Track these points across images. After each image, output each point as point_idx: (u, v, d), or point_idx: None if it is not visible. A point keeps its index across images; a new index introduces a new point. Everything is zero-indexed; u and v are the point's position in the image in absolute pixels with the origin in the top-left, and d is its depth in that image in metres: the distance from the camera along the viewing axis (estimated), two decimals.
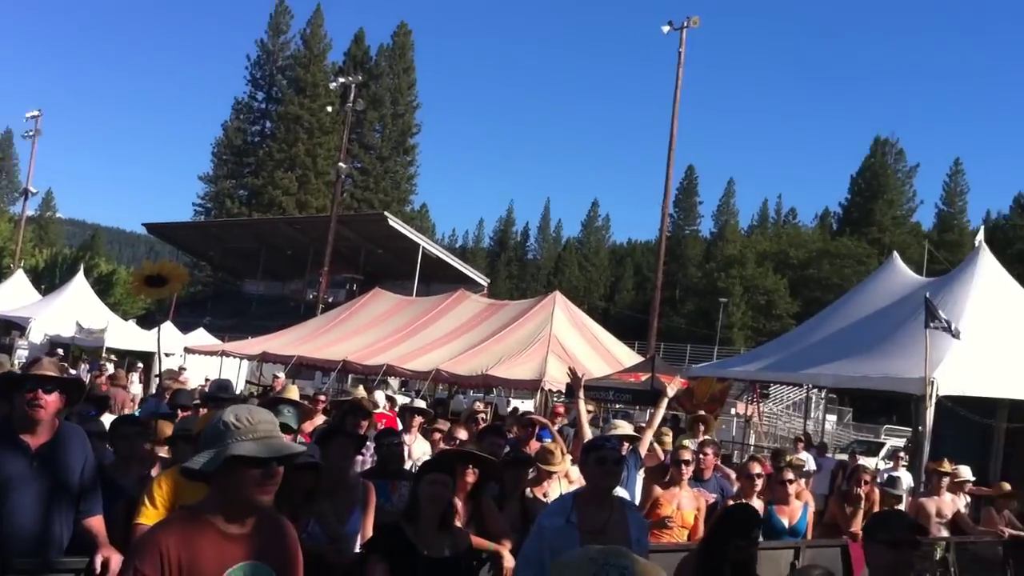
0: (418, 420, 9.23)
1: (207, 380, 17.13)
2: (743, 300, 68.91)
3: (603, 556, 1.61)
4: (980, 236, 21.30)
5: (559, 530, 4.48)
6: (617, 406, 22.52)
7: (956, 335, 14.58)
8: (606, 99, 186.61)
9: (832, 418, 40.05)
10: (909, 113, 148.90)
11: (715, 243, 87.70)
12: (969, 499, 10.28)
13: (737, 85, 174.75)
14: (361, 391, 11.67)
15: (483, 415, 11.78)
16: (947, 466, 9.57)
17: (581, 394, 7.93)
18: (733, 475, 8.92)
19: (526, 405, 23.60)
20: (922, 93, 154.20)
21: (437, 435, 8.99)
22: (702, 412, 11.22)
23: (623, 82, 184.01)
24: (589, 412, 11.56)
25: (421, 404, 10.85)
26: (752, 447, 18.33)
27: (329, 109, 57.21)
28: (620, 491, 6.66)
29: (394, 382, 27.99)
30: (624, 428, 7.40)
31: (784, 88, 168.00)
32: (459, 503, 5.43)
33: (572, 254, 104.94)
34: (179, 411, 8.78)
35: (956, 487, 10.05)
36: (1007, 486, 9.93)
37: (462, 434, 7.40)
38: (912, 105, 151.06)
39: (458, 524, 5.05)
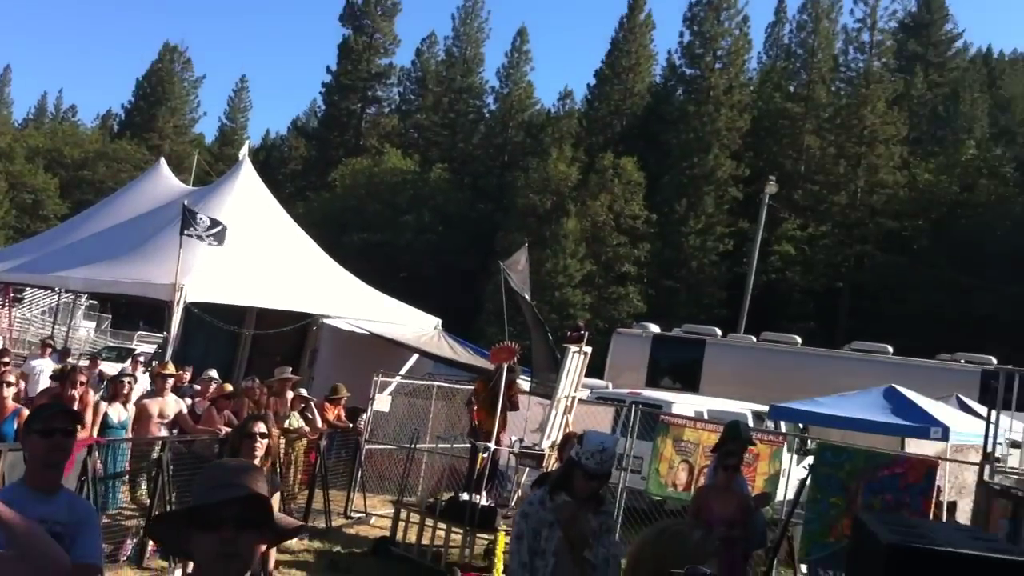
0: None
1: None
2: (7, 198, 63.48)
3: None
4: (244, 151, 22.29)
5: None
6: None
7: (220, 240, 15.03)
8: None
9: (90, 324, 39.27)
10: (200, 22, 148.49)
11: None
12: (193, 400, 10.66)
13: None
14: None
15: None
16: (171, 368, 9.81)
17: None
18: None
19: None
20: (215, 4, 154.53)
21: None
22: None
23: None
24: None
25: None
26: None
27: None
28: None
29: None
30: None
31: None
32: None
33: None
34: None
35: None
36: (229, 387, 10.52)
37: None
38: (204, 15, 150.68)
39: None
